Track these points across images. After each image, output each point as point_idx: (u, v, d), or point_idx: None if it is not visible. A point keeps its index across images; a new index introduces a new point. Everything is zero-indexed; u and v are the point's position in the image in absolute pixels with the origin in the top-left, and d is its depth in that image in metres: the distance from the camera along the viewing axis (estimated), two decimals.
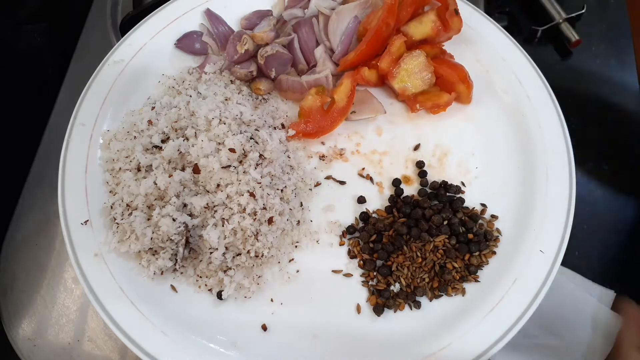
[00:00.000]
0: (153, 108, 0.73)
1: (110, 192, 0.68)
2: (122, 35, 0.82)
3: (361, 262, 0.64)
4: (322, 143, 0.74)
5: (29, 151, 0.82)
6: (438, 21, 0.76)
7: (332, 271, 0.64)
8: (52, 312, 0.70)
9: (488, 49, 0.78)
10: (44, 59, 0.94)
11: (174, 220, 0.63)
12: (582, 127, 0.80)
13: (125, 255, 0.64)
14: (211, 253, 0.63)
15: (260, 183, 0.65)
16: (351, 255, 0.65)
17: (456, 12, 0.76)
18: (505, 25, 0.88)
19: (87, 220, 0.65)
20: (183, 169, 0.67)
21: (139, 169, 0.68)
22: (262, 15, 0.82)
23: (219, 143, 0.67)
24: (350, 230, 0.66)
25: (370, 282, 0.63)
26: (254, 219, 0.63)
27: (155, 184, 0.64)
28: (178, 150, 0.67)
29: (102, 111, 0.74)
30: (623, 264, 0.74)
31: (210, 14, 0.82)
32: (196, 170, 0.66)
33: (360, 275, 0.64)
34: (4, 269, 0.73)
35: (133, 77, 0.77)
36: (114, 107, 0.75)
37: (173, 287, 0.63)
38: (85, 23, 0.94)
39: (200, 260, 0.64)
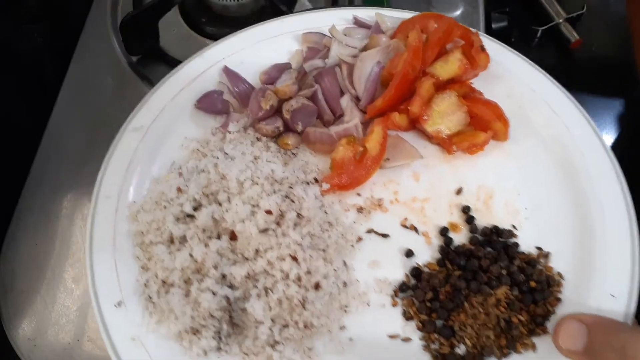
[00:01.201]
0: (180, 174, 0.71)
1: (142, 267, 0.65)
2: (123, 36, 0.82)
3: (419, 323, 0.59)
4: (358, 194, 0.70)
5: (29, 151, 0.81)
6: (464, 59, 0.74)
7: (389, 336, 0.59)
8: (52, 312, 0.68)
9: (517, 82, 0.76)
10: (44, 59, 0.94)
11: (214, 294, 0.59)
12: None
13: (165, 337, 0.60)
14: (257, 327, 0.58)
15: (301, 245, 0.62)
16: (407, 316, 0.60)
17: (482, 48, 0.74)
18: (505, 26, 0.87)
19: (121, 302, 0.62)
20: (219, 237, 0.63)
21: (172, 241, 0.65)
22: (281, 68, 0.81)
23: (254, 205, 0.64)
24: (402, 288, 0.62)
25: (432, 346, 0.58)
26: (299, 286, 0.59)
27: (191, 255, 0.61)
28: (212, 217, 0.64)
29: (126, 181, 0.72)
30: None
31: (228, 72, 0.80)
32: (233, 237, 0.63)
33: (420, 339, 0.59)
34: (4, 269, 0.72)
35: (154, 142, 0.75)
36: (138, 176, 0.72)
37: None
38: (85, 23, 0.93)
39: (246, 336, 0.59)
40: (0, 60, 0.87)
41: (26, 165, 0.81)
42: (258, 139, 0.75)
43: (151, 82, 0.82)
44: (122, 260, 0.65)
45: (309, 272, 0.60)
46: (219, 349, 0.59)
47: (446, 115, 0.71)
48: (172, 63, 0.79)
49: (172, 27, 0.91)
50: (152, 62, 0.88)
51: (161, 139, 0.75)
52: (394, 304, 0.61)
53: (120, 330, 0.60)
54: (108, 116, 0.83)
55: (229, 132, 0.75)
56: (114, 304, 0.61)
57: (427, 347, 0.58)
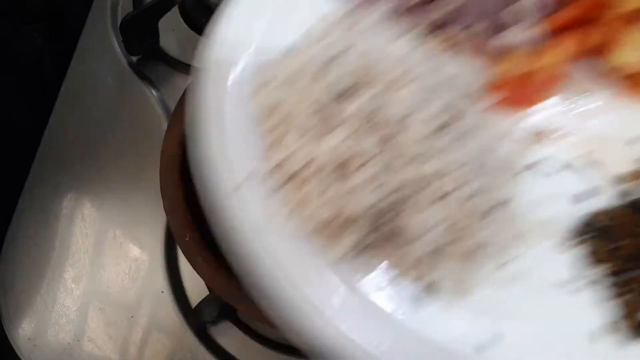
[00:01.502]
0: (314, 54, 0.59)
1: (266, 153, 0.55)
2: (123, 36, 0.80)
3: (606, 272, 0.51)
4: (522, 119, 0.60)
5: (29, 151, 0.80)
6: None
7: (556, 282, 0.51)
8: (52, 312, 0.68)
9: None
10: (44, 59, 0.93)
11: (362, 195, 0.50)
12: None
13: (294, 234, 0.51)
14: (409, 243, 0.50)
15: (463, 163, 0.53)
16: (585, 263, 0.52)
17: None
18: None
19: (240, 185, 0.52)
20: (368, 134, 0.53)
21: (308, 128, 0.54)
22: None
23: (410, 108, 0.54)
24: (576, 233, 0.54)
25: (625, 297, 0.50)
26: (461, 209, 0.51)
27: (337, 148, 0.52)
28: (361, 110, 0.53)
29: (240, 49, 0.61)
30: None
31: None
32: (387, 138, 0.53)
33: (605, 288, 0.51)
34: (4, 269, 0.72)
35: (276, 7, 0.63)
36: (257, 42, 0.61)
37: (356, 281, 0.51)
38: (85, 23, 0.91)
39: (395, 249, 0.51)
40: (0, 60, 0.85)
41: (26, 165, 0.79)
42: (404, 32, 0.64)
43: (151, 82, 0.83)
44: (239, 143, 0.55)
45: (471, 197, 0.52)
46: (360, 255, 0.51)
47: (638, 49, 0.61)
48: (172, 63, 0.81)
49: (172, 27, 0.89)
50: (152, 62, 0.86)
51: (286, 6, 0.63)
52: (565, 248, 0.53)
53: (238, 221, 0.50)
54: (108, 116, 0.82)
55: (370, 16, 0.63)
56: (231, 189, 0.52)
57: (617, 297, 0.50)
